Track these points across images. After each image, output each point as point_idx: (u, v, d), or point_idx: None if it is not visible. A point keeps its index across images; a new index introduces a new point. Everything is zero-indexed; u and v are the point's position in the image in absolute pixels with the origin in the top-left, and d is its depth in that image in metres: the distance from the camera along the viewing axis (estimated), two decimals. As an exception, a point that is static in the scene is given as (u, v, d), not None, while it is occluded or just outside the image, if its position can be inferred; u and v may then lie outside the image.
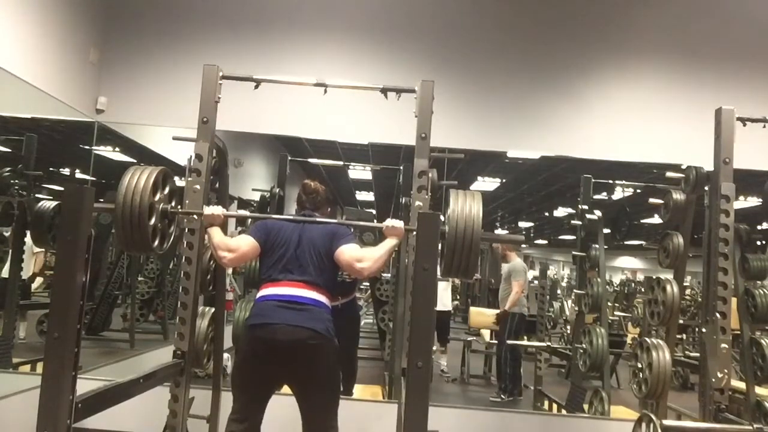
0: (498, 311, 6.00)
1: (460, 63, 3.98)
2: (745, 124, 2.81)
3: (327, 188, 2.77)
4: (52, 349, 1.81)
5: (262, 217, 2.67)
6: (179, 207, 2.42)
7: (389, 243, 2.40)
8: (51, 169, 4.90)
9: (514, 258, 5.92)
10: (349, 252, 2.42)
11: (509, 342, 5.64)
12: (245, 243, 2.46)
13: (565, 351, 5.13)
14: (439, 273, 2.04)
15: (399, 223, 2.39)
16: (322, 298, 2.44)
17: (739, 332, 3.27)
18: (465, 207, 2.22)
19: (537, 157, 5.63)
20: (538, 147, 4.22)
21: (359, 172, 7.99)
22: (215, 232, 2.44)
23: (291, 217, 2.65)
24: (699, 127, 3.02)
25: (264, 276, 2.48)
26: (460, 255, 2.16)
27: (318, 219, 2.56)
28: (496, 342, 6.34)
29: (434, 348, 5.85)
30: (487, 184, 8.86)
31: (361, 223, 2.66)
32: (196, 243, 2.56)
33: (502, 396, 5.59)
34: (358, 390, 4.38)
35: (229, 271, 5.30)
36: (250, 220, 3.35)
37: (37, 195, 4.01)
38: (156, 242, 2.33)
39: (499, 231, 14.29)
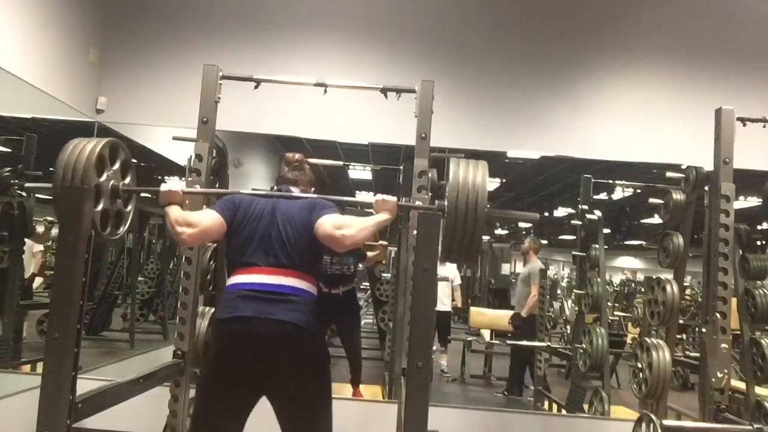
0: (512, 312, 5.94)
1: (461, 63, 3.97)
2: (745, 124, 2.81)
3: (315, 168, 2.48)
4: (52, 349, 1.81)
5: (229, 192, 2.30)
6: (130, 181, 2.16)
7: (379, 216, 2.13)
8: (51, 169, 4.90)
9: (533, 260, 5.84)
10: (329, 220, 2.07)
11: (509, 342, 5.64)
12: (208, 217, 2.13)
13: (565, 351, 5.14)
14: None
15: (391, 198, 2.15)
16: (302, 284, 2.09)
17: (739, 332, 3.27)
18: (468, 176, 1.93)
19: (537, 157, 5.63)
20: (538, 147, 4.22)
21: (359, 172, 7.98)
22: (173, 210, 2.14)
23: (264, 192, 2.29)
24: (699, 127, 3.02)
25: (233, 260, 2.14)
26: (462, 233, 1.87)
27: (294, 194, 2.25)
28: (496, 342, 6.33)
29: (434, 348, 5.85)
30: (487, 184, 8.84)
31: (348, 198, 2.40)
32: (196, 243, 2.55)
33: (505, 393, 5.57)
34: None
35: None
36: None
37: (37, 195, 4.01)
38: (108, 229, 2.08)
39: (499, 231, 14.29)
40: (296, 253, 2.09)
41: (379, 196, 2.16)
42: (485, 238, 13.56)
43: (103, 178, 2.07)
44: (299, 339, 2.02)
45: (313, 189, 2.45)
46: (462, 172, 1.93)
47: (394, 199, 2.15)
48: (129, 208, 2.24)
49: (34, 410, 1.78)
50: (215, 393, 2.04)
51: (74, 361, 1.83)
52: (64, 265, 1.85)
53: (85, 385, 1.96)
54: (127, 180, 2.23)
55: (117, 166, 2.15)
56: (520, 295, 5.82)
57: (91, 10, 3.81)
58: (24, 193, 3.89)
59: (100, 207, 2.03)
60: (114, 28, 3.92)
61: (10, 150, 4.17)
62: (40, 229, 4.36)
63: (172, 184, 2.21)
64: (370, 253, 4.75)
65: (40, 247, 4.48)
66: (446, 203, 1.91)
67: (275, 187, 2.43)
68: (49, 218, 4.52)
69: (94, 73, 3.86)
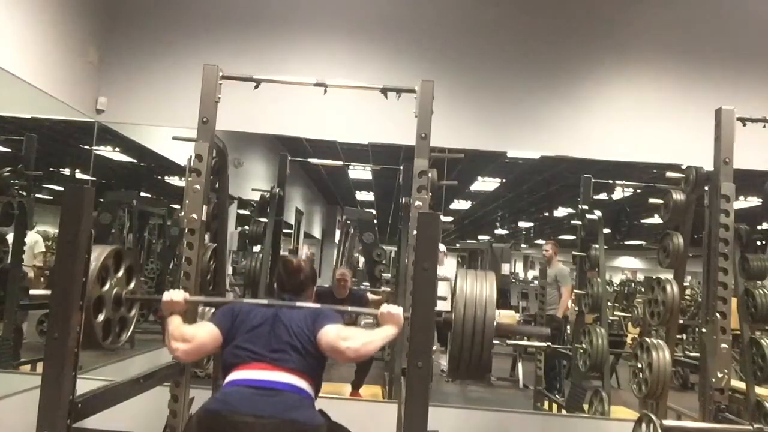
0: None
1: (461, 63, 3.97)
2: (745, 124, 2.81)
3: (310, 265, 2.39)
4: (52, 349, 1.81)
5: (229, 301, 2.27)
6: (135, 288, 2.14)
7: (386, 331, 2.04)
8: (51, 169, 4.91)
9: (556, 263, 5.81)
10: (334, 331, 2.01)
11: (509, 342, 5.62)
12: (204, 331, 2.07)
13: (565, 351, 5.14)
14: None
15: (397, 309, 2.06)
16: (303, 384, 1.99)
17: (739, 332, 3.27)
18: (475, 288, 1.89)
19: (537, 157, 5.63)
20: (538, 147, 4.22)
21: (359, 172, 8.00)
22: (172, 321, 2.09)
23: (266, 302, 2.21)
24: (699, 127, 3.02)
25: (228, 363, 2.04)
26: (470, 351, 1.84)
27: (298, 304, 2.16)
28: (496, 342, 6.31)
29: (434, 348, 5.84)
30: (487, 184, 8.87)
31: (352, 309, 2.34)
32: (196, 243, 2.56)
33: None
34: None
35: (229, 270, 5.30)
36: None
37: (37, 195, 4.01)
38: (110, 338, 2.07)
39: (499, 231, 14.29)
40: (297, 355, 2.01)
41: (384, 308, 2.07)
42: (485, 237, 13.58)
43: (106, 287, 2.04)
44: None
45: (315, 288, 2.39)
46: (469, 284, 1.88)
47: (400, 310, 2.06)
48: (132, 313, 2.20)
49: (34, 410, 1.78)
50: None
51: (74, 361, 1.83)
52: (64, 265, 1.85)
53: (85, 385, 1.96)
54: (132, 285, 2.20)
55: (121, 273, 2.12)
56: (549, 297, 5.78)
57: (91, 10, 3.81)
58: (24, 193, 3.90)
59: (101, 317, 2.00)
60: (114, 28, 3.92)
61: (10, 150, 4.18)
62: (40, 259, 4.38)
63: (174, 293, 2.16)
64: (373, 297, 4.79)
65: (41, 248, 4.49)
66: (453, 316, 1.85)
67: (277, 293, 2.35)
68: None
69: (94, 73, 3.86)
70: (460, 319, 1.84)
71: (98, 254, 2.00)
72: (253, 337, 2.04)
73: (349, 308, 2.36)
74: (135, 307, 2.23)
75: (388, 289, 4.62)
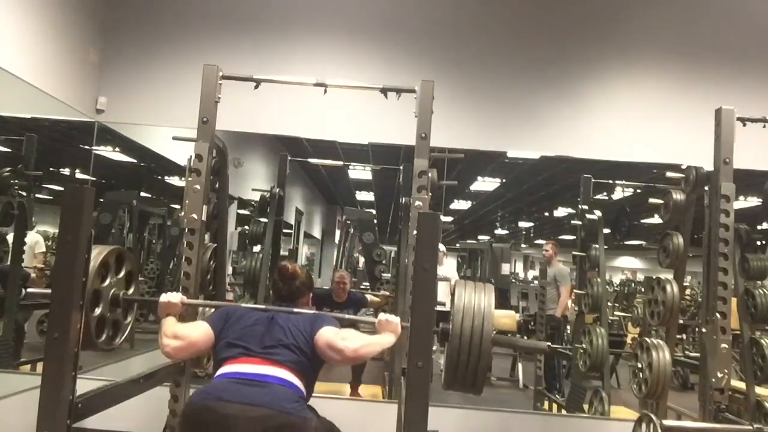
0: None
1: (461, 63, 3.97)
2: (745, 124, 2.81)
3: (306, 271, 2.37)
4: (52, 349, 1.81)
5: (224, 304, 2.30)
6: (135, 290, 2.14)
7: (384, 338, 2.07)
8: (51, 169, 4.91)
9: (556, 263, 5.84)
10: (332, 331, 2.03)
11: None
12: (197, 330, 2.09)
13: (565, 351, 5.13)
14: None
15: (395, 319, 2.09)
16: (294, 380, 1.96)
17: (739, 332, 3.27)
18: (473, 300, 1.90)
19: (537, 157, 5.63)
20: (538, 147, 4.22)
21: (359, 172, 8.00)
22: (167, 321, 2.12)
23: (263, 307, 2.23)
24: (699, 127, 3.02)
25: (219, 356, 2.05)
26: (466, 363, 1.87)
27: (296, 310, 2.17)
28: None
29: (434, 348, 5.81)
30: (487, 184, 8.87)
31: (350, 316, 2.36)
32: (196, 243, 2.56)
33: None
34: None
35: (229, 270, 5.30)
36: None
37: (37, 195, 4.01)
38: (103, 336, 2.09)
39: (499, 231, 14.29)
40: (290, 353, 2.01)
41: (382, 317, 2.10)
42: (485, 237, 13.58)
43: (105, 283, 2.08)
44: (285, 422, 1.83)
45: (311, 294, 2.39)
46: (468, 295, 1.89)
47: (398, 319, 2.10)
48: (128, 319, 2.22)
49: (34, 410, 1.78)
50: None
51: (74, 361, 1.83)
52: (64, 265, 1.85)
53: (85, 385, 1.96)
54: (131, 291, 2.23)
55: (122, 274, 2.15)
56: (550, 296, 5.78)
57: (91, 10, 3.81)
58: (24, 193, 3.90)
59: (97, 312, 2.02)
60: (114, 28, 3.92)
61: (10, 150, 4.18)
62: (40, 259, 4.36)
63: (171, 295, 2.19)
64: (372, 298, 4.77)
65: (42, 248, 4.49)
66: (451, 327, 1.87)
67: (273, 299, 2.35)
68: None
69: (94, 73, 3.86)
70: (458, 330, 1.84)
71: (99, 251, 2.03)
72: (245, 335, 2.05)
73: (347, 316, 2.39)
74: (131, 312, 2.24)
75: (387, 293, 4.61)
